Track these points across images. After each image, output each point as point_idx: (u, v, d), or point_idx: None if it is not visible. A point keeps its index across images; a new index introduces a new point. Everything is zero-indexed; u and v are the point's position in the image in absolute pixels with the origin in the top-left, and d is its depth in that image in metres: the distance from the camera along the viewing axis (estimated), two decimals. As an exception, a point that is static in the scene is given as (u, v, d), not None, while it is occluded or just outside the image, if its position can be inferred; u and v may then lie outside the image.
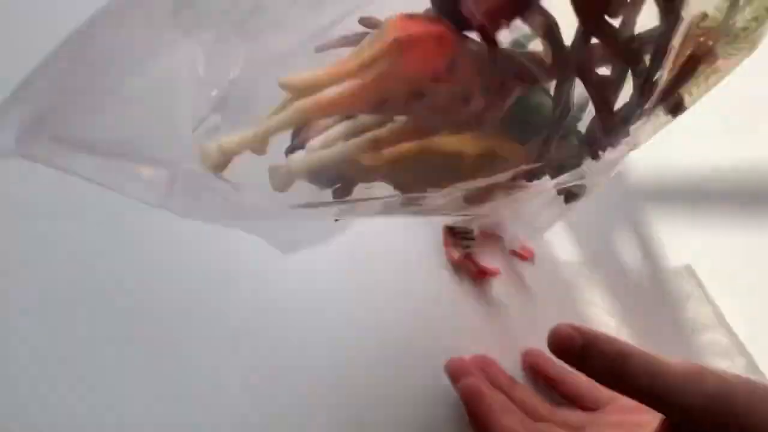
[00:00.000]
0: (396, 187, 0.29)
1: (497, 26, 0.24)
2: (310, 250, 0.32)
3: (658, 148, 0.49)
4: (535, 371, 0.42)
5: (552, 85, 0.27)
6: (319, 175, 0.27)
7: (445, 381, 0.40)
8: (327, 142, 0.27)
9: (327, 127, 0.28)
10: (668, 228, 0.49)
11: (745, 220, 0.49)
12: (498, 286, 0.44)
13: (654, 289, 0.48)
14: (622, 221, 0.49)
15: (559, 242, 0.49)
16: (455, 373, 0.40)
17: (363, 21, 0.27)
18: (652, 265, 0.48)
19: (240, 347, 0.37)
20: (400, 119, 0.27)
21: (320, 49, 0.27)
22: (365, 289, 0.41)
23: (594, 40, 0.25)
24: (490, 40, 0.24)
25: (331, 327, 0.39)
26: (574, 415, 0.40)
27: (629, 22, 0.26)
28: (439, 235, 0.44)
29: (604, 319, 0.47)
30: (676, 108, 0.30)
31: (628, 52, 0.26)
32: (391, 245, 0.43)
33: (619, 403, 0.39)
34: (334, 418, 0.37)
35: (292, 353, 0.38)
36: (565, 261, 0.48)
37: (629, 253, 0.48)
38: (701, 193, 0.49)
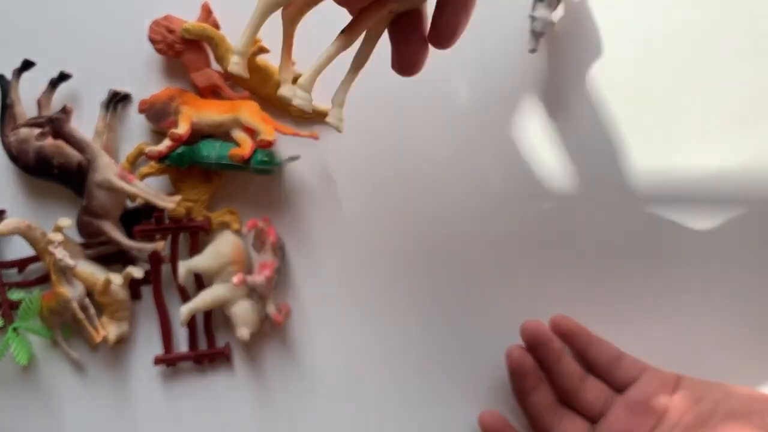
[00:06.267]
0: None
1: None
2: None
3: (659, 149, 0.49)
4: (564, 336, 0.48)
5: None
6: None
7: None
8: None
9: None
10: (668, 228, 0.50)
11: (744, 221, 0.49)
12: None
13: (653, 288, 0.50)
14: (623, 222, 0.50)
15: (561, 244, 0.50)
16: (530, 337, 0.47)
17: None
18: (654, 265, 0.50)
19: None
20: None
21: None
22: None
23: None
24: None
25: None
26: (597, 388, 0.47)
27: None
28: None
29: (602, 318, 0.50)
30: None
31: None
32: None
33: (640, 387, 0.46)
34: None
35: None
36: (568, 264, 0.50)
37: (631, 255, 0.50)
38: (701, 194, 0.49)
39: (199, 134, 0.50)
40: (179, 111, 0.49)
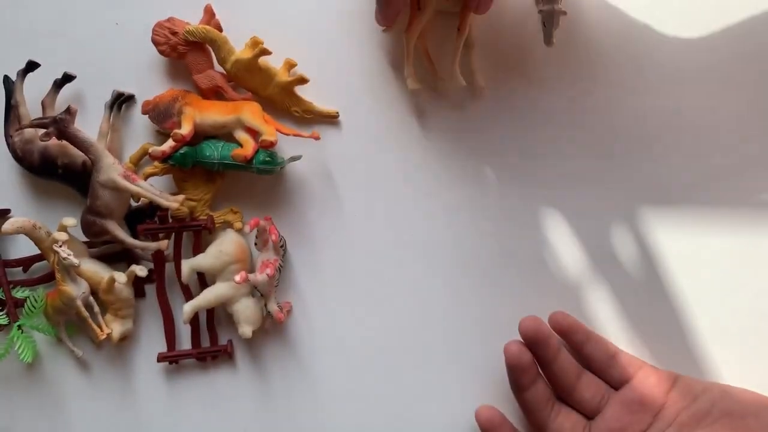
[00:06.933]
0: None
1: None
2: None
3: (659, 147, 0.50)
4: (563, 333, 0.48)
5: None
6: None
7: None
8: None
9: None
10: (668, 228, 0.50)
11: (744, 222, 0.50)
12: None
13: (652, 289, 0.50)
14: (622, 221, 0.51)
15: (560, 242, 0.51)
16: (528, 333, 0.47)
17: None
18: (652, 265, 0.50)
19: None
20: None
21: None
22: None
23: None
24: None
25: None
26: (594, 385, 0.47)
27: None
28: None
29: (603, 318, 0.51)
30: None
31: None
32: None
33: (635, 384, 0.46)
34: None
35: None
36: (566, 261, 0.51)
37: (629, 254, 0.51)
38: (700, 194, 0.50)
39: (202, 135, 0.50)
40: (182, 112, 0.49)
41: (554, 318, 0.48)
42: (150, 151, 0.49)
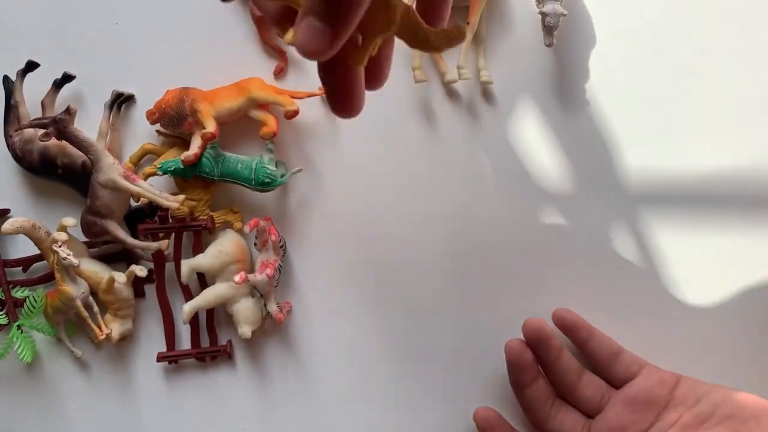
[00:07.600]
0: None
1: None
2: None
3: (658, 149, 0.50)
4: (566, 330, 0.48)
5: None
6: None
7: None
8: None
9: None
10: (668, 228, 0.50)
11: (744, 221, 0.50)
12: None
13: (652, 289, 0.50)
14: (622, 222, 0.50)
15: (560, 242, 0.51)
16: (531, 334, 0.47)
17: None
18: (652, 265, 0.50)
19: None
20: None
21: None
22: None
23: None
24: None
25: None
26: (596, 384, 0.47)
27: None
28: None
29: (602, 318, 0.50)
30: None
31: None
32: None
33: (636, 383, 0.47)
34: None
35: None
36: (566, 261, 0.51)
37: (629, 254, 0.50)
38: (701, 194, 0.50)
39: (220, 125, 0.49)
40: (196, 110, 0.49)
41: (558, 315, 0.48)
42: (183, 157, 0.48)
